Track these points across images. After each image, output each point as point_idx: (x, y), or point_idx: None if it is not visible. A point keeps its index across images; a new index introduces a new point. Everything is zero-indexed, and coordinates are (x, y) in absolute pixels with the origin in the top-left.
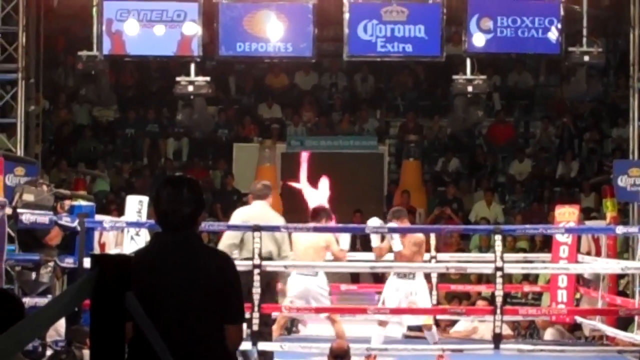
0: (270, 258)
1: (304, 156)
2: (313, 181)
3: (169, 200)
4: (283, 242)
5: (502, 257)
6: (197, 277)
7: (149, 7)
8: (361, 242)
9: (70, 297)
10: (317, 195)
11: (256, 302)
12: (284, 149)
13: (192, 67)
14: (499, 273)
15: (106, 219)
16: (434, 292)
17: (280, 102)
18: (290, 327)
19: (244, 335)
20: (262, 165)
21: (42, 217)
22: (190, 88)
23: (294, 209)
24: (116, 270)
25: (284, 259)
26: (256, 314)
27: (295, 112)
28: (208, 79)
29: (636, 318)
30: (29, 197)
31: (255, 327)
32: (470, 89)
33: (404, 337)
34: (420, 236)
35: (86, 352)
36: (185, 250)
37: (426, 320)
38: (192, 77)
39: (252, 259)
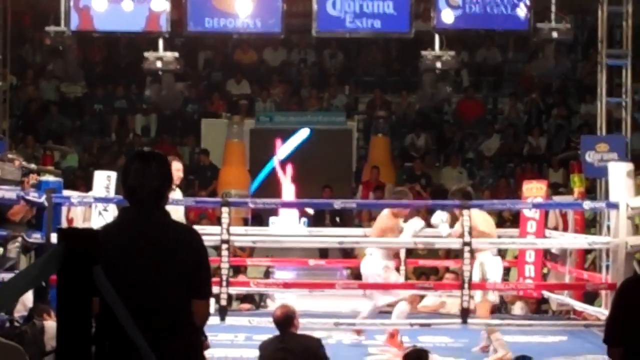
0: None
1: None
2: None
3: (137, 174)
4: None
5: (469, 233)
6: (164, 251)
7: None
8: (330, 218)
9: (36, 271)
10: (287, 181)
11: (224, 277)
12: (253, 125)
13: (161, 42)
14: (466, 248)
15: (74, 195)
16: (402, 268)
17: (249, 78)
18: (259, 301)
19: (212, 311)
20: (231, 140)
21: (9, 193)
22: (159, 64)
23: (263, 186)
24: (84, 245)
25: None
26: (224, 289)
27: (263, 88)
28: (176, 54)
29: (603, 292)
30: None
31: (223, 302)
32: (438, 65)
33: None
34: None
35: (47, 324)
36: (152, 225)
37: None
38: (161, 52)
39: None
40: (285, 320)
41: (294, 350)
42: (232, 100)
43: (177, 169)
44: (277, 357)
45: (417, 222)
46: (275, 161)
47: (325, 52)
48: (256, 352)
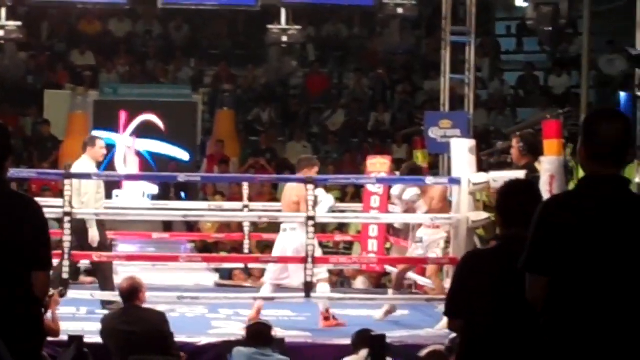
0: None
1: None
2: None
3: None
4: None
5: (314, 207)
6: (3, 221)
7: None
8: (175, 191)
9: None
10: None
11: (66, 250)
12: (97, 97)
13: (3, 11)
14: (310, 222)
15: None
16: (246, 242)
17: (94, 49)
18: None
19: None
20: (74, 112)
21: None
22: (1, 33)
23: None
24: None
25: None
26: (66, 262)
27: (108, 59)
28: (19, 23)
29: (445, 267)
30: None
31: (65, 275)
32: (284, 39)
33: (216, 285)
34: None
35: None
36: None
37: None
38: (3, 21)
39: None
40: (131, 292)
41: (137, 324)
42: (76, 71)
43: (101, 146)
44: (119, 330)
45: (329, 198)
46: (118, 139)
47: (171, 24)
48: (99, 326)
